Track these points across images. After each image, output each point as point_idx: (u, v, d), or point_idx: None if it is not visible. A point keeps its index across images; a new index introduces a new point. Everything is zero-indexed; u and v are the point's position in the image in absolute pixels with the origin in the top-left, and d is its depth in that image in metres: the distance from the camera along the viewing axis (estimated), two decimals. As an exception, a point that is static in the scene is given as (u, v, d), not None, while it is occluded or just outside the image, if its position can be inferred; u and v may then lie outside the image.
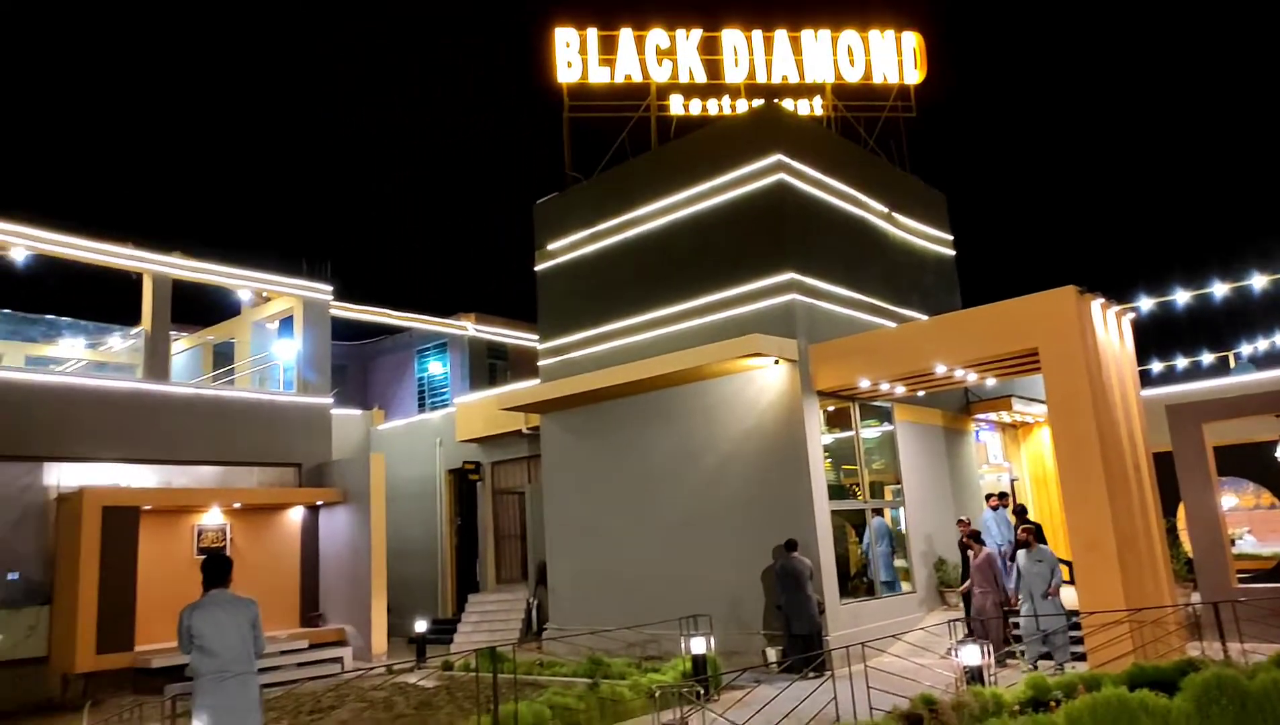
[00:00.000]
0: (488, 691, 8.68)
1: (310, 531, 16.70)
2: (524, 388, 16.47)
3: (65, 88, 53.77)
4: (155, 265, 15.79)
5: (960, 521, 12.66)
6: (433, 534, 19.10)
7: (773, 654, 11.59)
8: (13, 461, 13.88)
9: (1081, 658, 10.33)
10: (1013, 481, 16.82)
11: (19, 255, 14.58)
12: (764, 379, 12.74)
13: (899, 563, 13.67)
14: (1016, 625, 11.12)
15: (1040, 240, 48.96)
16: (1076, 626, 10.73)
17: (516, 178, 60.57)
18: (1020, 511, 13.01)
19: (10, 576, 13.70)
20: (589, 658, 11.64)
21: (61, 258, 15.03)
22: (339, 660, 14.64)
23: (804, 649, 10.76)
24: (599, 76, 16.38)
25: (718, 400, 13.20)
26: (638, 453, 14.10)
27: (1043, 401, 12.99)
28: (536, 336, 16.48)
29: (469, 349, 22.54)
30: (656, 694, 5.72)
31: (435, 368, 23.31)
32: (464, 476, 18.73)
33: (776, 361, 12.46)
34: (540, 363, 15.98)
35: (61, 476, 14.29)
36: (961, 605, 12.38)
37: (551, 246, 16.01)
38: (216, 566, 6.79)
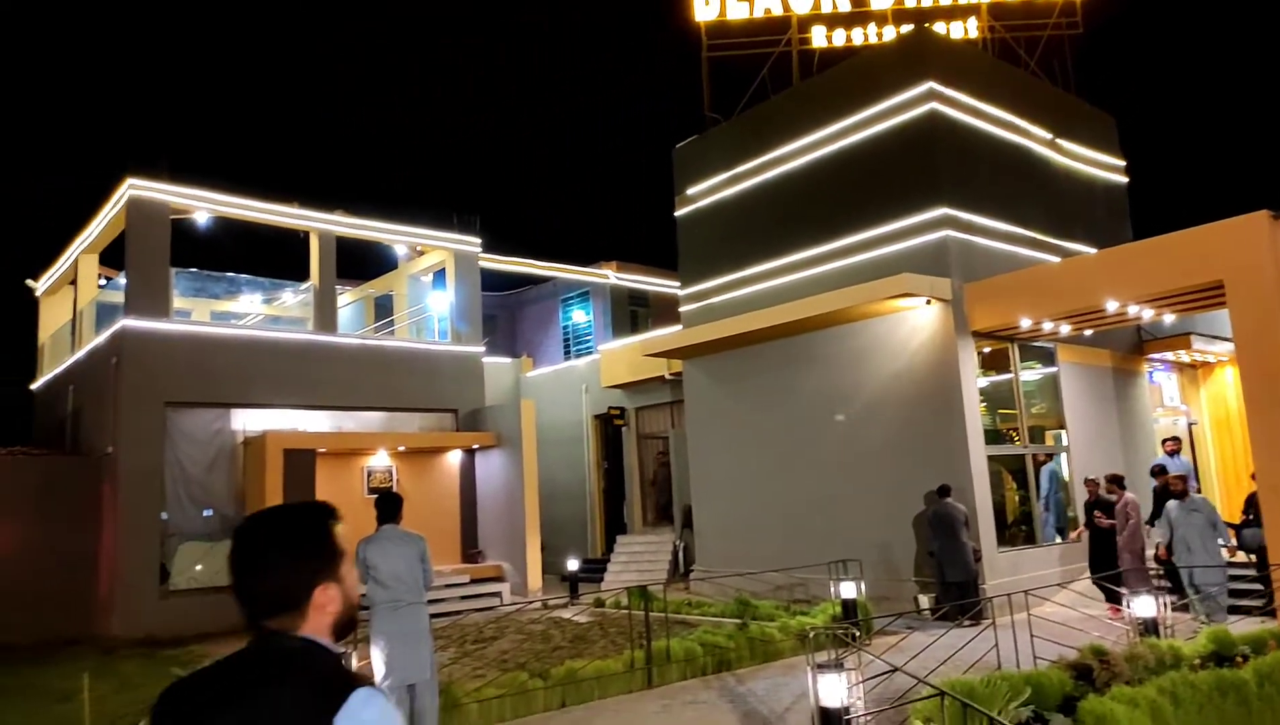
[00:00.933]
0: (639, 627, 8.93)
1: (468, 473, 17.55)
2: (666, 334, 16.57)
3: (237, 64, 57.30)
4: (320, 223, 16.74)
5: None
6: (581, 477, 19.68)
7: (925, 600, 11.35)
8: (205, 408, 15.21)
9: (1270, 613, 9.58)
10: (1190, 425, 15.63)
11: (201, 218, 15.78)
12: (915, 320, 12.28)
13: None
14: (1174, 576, 10.40)
15: (1227, 162, 44.59)
16: (1235, 579, 10.07)
17: (656, 123, 60.33)
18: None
19: (205, 513, 15.12)
20: (736, 599, 11.76)
21: (238, 219, 16.17)
22: (498, 595, 15.43)
23: (958, 597, 10.48)
24: (737, 12, 15.95)
25: (866, 342, 12.85)
26: (782, 396, 13.97)
27: (1228, 338, 11.95)
28: (677, 283, 16.49)
29: (611, 297, 22.83)
30: (810, 635, 5.71)
31: (579, 316, 23.78)
32: (609, 422, 19.14)
33: (928, 301, 11.98)
34: (681, 308, 16.01)
35: (246, 421, 15.56)
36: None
37: (691, 191, 15.88)
38: (389, 503, 7.23)
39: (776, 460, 13.97)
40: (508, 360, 22.08)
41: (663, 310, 22.56)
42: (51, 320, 19.75)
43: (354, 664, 6.87)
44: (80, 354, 16.99)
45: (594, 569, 17.48)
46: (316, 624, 1.77)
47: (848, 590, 9.86)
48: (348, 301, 20.76)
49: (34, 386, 20.12)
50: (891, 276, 11.92)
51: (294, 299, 19.47)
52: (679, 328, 16.00)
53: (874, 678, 5.76)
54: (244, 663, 1.73)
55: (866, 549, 12.06)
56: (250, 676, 1.70)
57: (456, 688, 7.70)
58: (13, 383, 21.54)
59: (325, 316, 16.69)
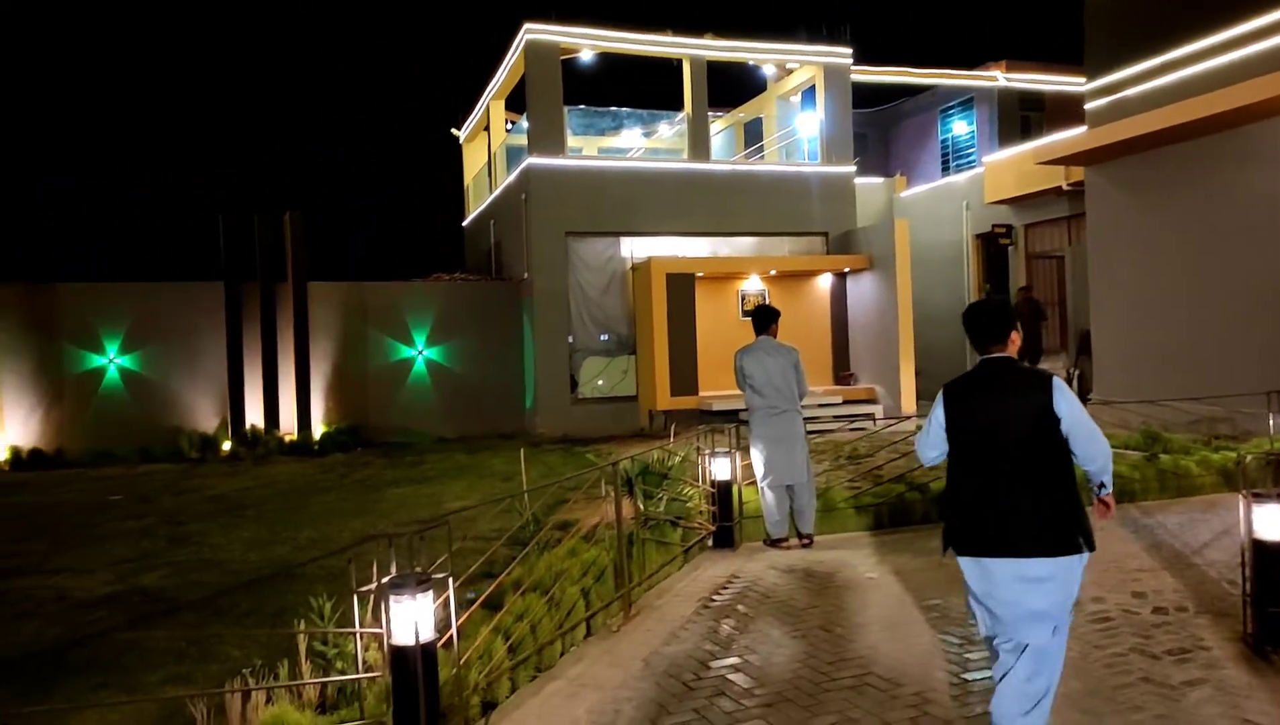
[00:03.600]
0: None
1: (839, 297, 17.48)
2: (1066, 137, 14.63)
3: (602, -101, 58.34)
4: (692, 49, 16.91)
5: None
6: (959, 300, 18.63)
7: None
8: (598, 237, 16.65)
9: None
10: None
11: (585, 56, 16.74)
12: None
13: None
14: None
15: None
16: None
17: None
18: None
19: (601, 337, 16.81)
20: (1142, 431, 10.60)
21: (617, 53, 16.89)
22: (870, 417, 15.49)
23: None
24: None
25: (1340, 129, 10.25)
26: (1213, 203, 11.79)
27: None
28: (1080, 79, 14.32)
29: (998, 102, 20.54)
30: (1246, 459, 4.96)
31: (960, 127, 21.82)
32: (993, 241, 17.71)
33: None
34: (1087, 106, 13.93)
35: (633, 248, 16.79)
36: None
37: (1104, -38, 13.40)
38: (763, 315, 7.47)
39: (1197, 279, 11.99)
40: (879, 180, 21.15)
41: (1059, 113, 19.87)
42: (473, 164, 22.62)
43: (736, 465, 7.37)
44: (496, 192, 19.32)
45: (973, 395, 16.75)
46: (1010, 351, 3.51)
47: (1292, 425, 8.39)
48: (719, 130, 21.06)
49: (464, 223, 23.45)
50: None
51: (669, 131, 20.19)
52: (1082, 130, 14.02)
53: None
54: (986, 366, 3.52)
55: (1320, 381, 10.08)
56: (999, 370, 3.49)
57: (834, 493, 7.96)
58: (449, 220, 25.35)
59: (699, 145, 17.11)
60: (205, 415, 15.30)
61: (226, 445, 14.77)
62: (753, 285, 17.13)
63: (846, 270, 17.09)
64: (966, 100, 21.47)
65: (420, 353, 16.42)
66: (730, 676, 4.45)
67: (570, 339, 16.45)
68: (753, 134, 20.65)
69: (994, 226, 17.52)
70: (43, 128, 40.88)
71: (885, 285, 16.17)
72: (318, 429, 15.44)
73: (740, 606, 5.65)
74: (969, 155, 21.15)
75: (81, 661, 5.03)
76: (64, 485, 12.08)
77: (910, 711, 3.95)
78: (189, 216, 40.22)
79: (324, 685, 3.79)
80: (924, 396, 17.13)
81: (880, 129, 24.08)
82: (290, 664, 4.06)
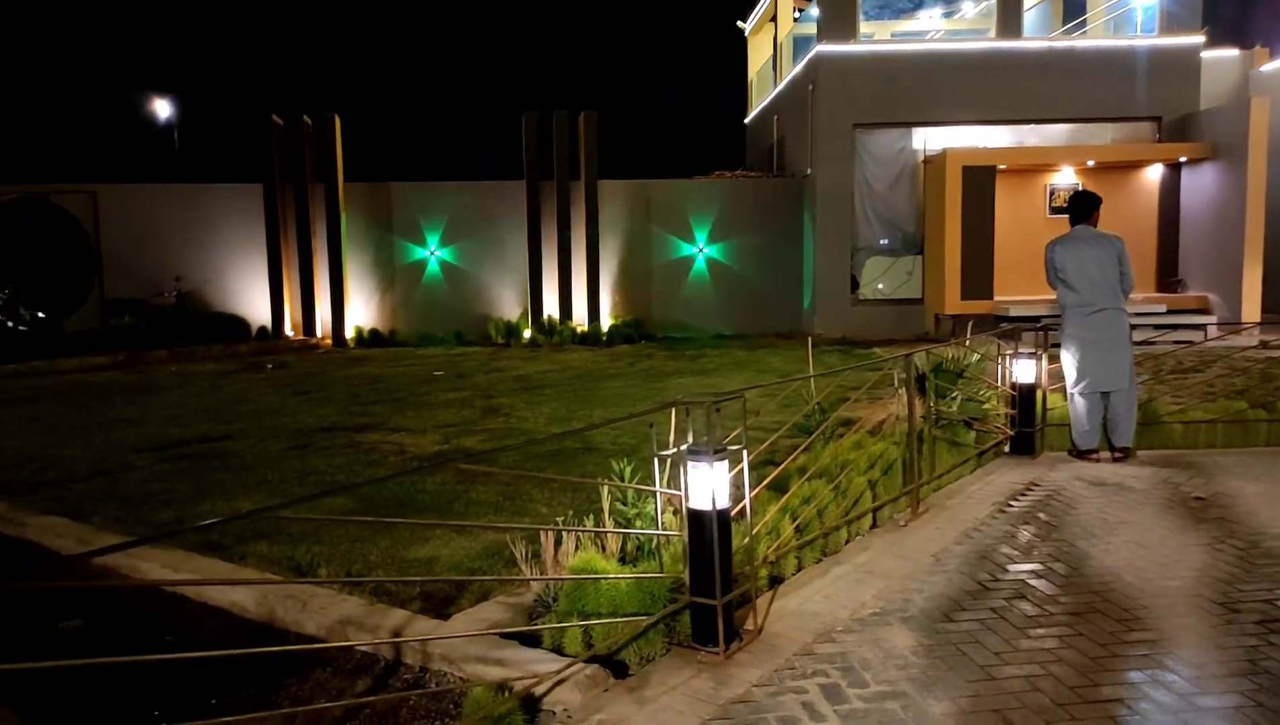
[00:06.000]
0: None
1: (1169, 191, 15.31)
2: None
3: None
4: (1004, -88, 15.14)
5: None
6: (1330, 196, 15.62)
7: None
8: (888, 128, 15.74)
9: None
10: None
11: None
12: None
13: None
14: None
15: None
16: None
17: None
18: None
19: (881, 242, 16.02)
20: None
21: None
22: (1200, 328, 13.63)
23: None
24: None
25: None
26: None
27: None
28: None
29: None
30: None
31: (1350, -17, 17.84)
32: (1386, 122, 14.51)
33: None
34: None
35: (926, 140, 15.70)
36: None
37: None
38: (1082, 202, 6.71)
39: None
40: (1233, 53, 17.98)
41: None
42: (757, 58, 22.13)
43: (1043, 368, 6.80)
44: (781, 86, 18.81)
45: (1339, 309, 14.16)
46: None
47: None
48: (1032, 3, 18.86)
49: (746, 120, 23.16)
50: None
51: (974, 8, 18.43)
52: None
53: None
54: None
55: None
56: None
57: (1156, 405, 7.13)
58: (731, 118, 25.20)
59: (1009, 20, 15.44)
60: (509, 305, 16.70)
61: (527, 333, 16.08)
62: (1064, 179, 15.45)
63: (1183, 160, 14.88)
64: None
65: (701, 250, 16.68)
66: (1031, 582, 4.20)
67: (852, 239, 15.89)
68: (1074, 7, 18.28)
69: (1390, 103, 14.33)
70: (376, 45, 45.41)
71: (1232, 178, 13.90)
72: (605, 321, 16.31)
73: (1041, 514, 5.29)
74: (1360, 17, 17.31)
75: (421, 505, 5.78)
76: (397, 360, 13.83)
77: (1252, 640, 3.51)
78: (494, 116, 43.14)
79: (624, 540, 4.05)
80: (1270, 309, 14.76)
81: (1238, -7, 20.31)
82: (594, 521, 4.38)
